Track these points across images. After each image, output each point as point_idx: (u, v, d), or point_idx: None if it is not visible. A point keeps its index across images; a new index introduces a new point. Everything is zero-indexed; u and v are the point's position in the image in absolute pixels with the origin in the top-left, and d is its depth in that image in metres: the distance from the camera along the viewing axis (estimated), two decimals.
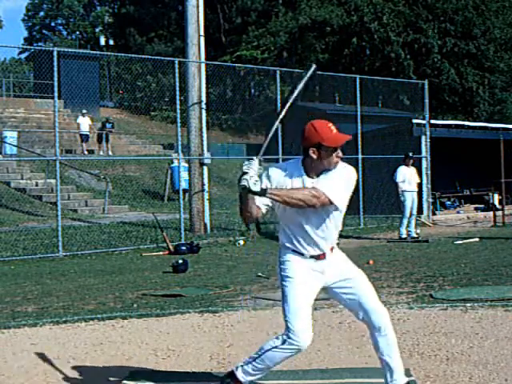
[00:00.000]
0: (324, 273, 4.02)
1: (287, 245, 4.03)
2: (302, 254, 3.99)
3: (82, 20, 66.84)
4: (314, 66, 4.02)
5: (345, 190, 3.91)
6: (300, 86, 3.97)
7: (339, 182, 3.88)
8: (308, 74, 3.99)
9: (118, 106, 40.75)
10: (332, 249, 4.06)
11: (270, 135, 3.92)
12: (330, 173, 3.93)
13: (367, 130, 19.10)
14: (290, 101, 3.93)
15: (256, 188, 3.62)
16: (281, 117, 3.92)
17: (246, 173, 3.62)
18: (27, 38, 69.80)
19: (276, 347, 3.96)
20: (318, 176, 3.95)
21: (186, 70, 15.46)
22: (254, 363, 4.03)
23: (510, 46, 44.61)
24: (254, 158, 3.71)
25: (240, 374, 4.05)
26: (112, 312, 7.16)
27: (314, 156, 3.87)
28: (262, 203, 3.86)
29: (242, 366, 4.07)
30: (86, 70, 33.04)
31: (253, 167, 3.64)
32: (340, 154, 3.92)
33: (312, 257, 3.99)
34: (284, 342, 3.94)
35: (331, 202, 3.83)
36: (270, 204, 3.90)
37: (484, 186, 20.57)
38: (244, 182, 3.60)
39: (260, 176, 3.70)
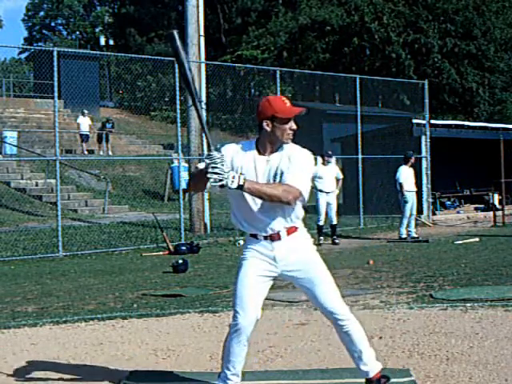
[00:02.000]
0: (277, 260, 3.95)
1: (239, 227, 4.06)
2: (255, 237, 3.98)
3: (82, 20, 66.78)
4: (171, 33, 3.87)
5: (308, 179, 3.96)
6: (182, 58, 3.84)
7: (304, 173, 3.91)
8: (174, 45, 3.83)
9: (117, 106, 40.68)
10: (290, 231, 3.98)
11: (204, 122, 3.99)
12: (293, 159, 3.91)
13: (367, 130, 19.07)
14: (189, 76, 3.86)
15: (234, 185, 3.74)
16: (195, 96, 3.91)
17: (215, 167, 3.68)
18: (27, 37, 69.70)
19: (226, 337, 4.02)
20: (271, 153, 3.96)
21: None
22: (223, 366, 4.06)
23: (510, 46, 44.63)
24: (213, 151, 3.73)
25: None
26: (112, 312, 7.16)
27: (268, 128, 3.93)
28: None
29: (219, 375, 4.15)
30: (86, 69, 32.99)
31: (218, 161, 3.69)
32: (294, 127, 3.95)
33: (266, 238, 3.96)
34: (230, 326, 4.00)
35: (301, 195, 3.87)
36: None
37: (484, 186, 20.56)
38: (224, 182, 3.71)
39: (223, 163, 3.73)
